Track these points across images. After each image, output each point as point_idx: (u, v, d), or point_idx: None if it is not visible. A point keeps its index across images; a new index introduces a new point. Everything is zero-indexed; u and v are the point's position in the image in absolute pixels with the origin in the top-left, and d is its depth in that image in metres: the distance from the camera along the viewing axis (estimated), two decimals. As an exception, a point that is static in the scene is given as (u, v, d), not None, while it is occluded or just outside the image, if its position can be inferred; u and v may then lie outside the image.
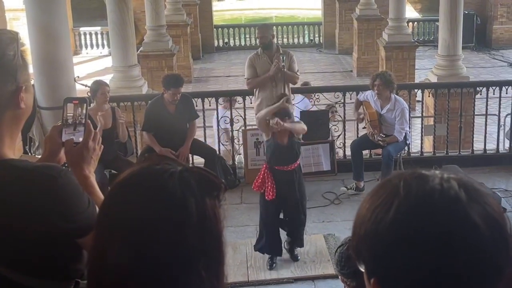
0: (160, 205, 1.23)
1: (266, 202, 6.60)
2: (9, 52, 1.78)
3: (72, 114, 2.06)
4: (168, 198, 1.23)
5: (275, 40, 8.49)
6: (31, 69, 5.57)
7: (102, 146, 2.11)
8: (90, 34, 21.56)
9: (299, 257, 6.76)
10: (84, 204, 1.81)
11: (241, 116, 8.96)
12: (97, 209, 1.85)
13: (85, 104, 2.08)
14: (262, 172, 6.63)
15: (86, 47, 21.56)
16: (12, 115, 1.84)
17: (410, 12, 20.85)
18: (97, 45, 21.58)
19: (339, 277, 3.14)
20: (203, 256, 1.23)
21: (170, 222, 1.21)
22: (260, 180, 6.61)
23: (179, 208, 1.22)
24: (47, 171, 1.77)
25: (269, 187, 6.53)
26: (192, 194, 1.24)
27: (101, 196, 2.00)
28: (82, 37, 21.48)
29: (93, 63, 19.59)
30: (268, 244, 6.63)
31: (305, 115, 8.78)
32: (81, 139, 2.03)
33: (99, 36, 21.49)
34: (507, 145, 9.55)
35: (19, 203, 1.71)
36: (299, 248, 6.82)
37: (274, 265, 6.68)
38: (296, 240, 6.75)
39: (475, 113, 9.51)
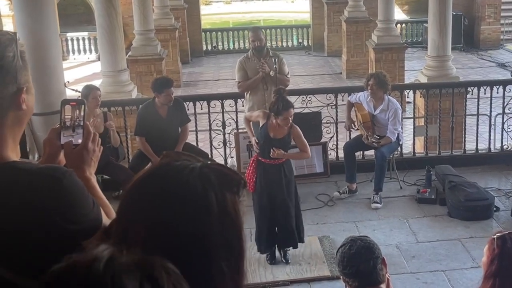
0: (182, 200, 1.23)
1: (257, 200, 6.58)
2: (9, 54, 1.75)
3: (70, 116, 2.02)
4: (190, 192, 1.23)
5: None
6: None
7: (102, 148, 2.08)
8: (78, 39, 21.54)
9: (290, 260, 6.67)
10: (89, 205, 1.78)
11: (233, 119, 8.94)
12: (101, 210, 1.83)
13: (83, 106, 2.04)
14: (251, 162, 6.72)
15: (74, 53, 21.53)
16: (14, 117, 1.81)
17: (398, 13, 20.91)
18: (85, 51, 21.56)
19: (341, 277, 3.11)
20: (224, 250, 1.23)
21: (192, 216, 1.22)
22: (249, 171, 6.67)
23: (201, 203, 1.23)
24: (52, 173, 1.73)
25: (250, 177, 6.56)
26: (213, 189, 1.24)
27: (103, 197, 1.97)
28: (70, 42, 21.45)
29: (81, 68, 19.52)
30: (261, 242, 6.58)
31: (298, 117, 8.75)
32: (80, 141, 1.99)
33: (87, 41, 21.47)
34: (498, 144, 9.57)
35: (24, 205, 1.68)
36: (292, 250, 6.71)
37: (273, 260, 6.64)
38: (288, 240, 6.61)
39: (466, 113, 9.55)
